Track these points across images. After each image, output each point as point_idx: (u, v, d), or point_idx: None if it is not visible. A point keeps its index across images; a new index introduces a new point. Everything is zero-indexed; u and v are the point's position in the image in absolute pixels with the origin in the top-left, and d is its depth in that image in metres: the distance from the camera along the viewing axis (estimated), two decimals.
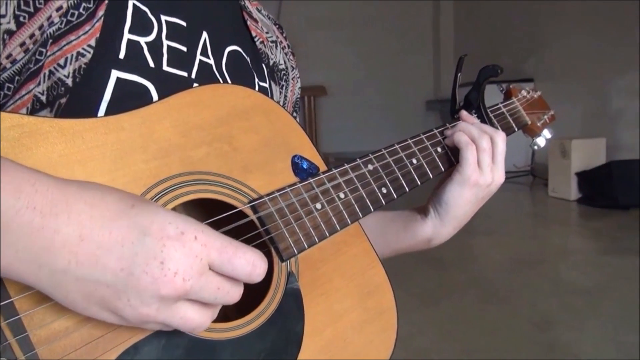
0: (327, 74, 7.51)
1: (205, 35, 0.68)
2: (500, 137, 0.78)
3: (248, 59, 0.75)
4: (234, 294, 0.46)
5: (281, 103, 0.84)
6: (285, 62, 0.87)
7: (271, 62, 0.82)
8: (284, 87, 0.86)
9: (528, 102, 0.97)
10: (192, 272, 0.43)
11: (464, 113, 0.83)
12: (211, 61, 0.68)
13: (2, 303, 0.42)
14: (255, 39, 0.79)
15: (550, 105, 1.06)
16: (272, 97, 0.77)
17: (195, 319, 0.44)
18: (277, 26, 0.90)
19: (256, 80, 0.76)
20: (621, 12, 4.95)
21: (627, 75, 4.97)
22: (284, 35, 0.91)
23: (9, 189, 0.38)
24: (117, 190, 0.45)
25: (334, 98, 7.75)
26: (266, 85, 0.78)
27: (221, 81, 0.68)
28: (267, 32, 0.84)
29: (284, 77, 0.85)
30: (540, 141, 0.97)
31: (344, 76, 7.78)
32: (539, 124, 0.97)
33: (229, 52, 0.72)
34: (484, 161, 0.76)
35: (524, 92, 0.97)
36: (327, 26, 7.66)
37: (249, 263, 0.46)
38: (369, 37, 8.04)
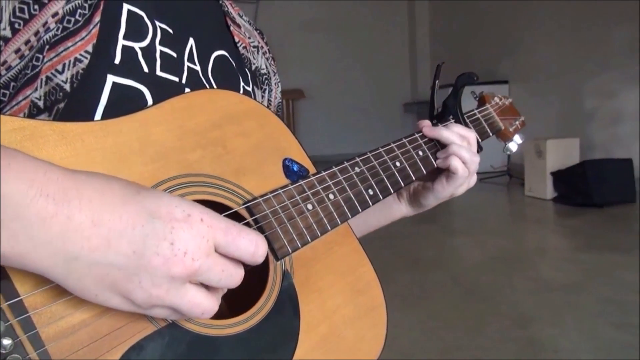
0: (305, 77, 7.54)
1: (191, 41, 0.69)
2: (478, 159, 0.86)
3: (234, 63, 0.77)
4: (236, 277, 0.48)
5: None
6: (267, 67, 0.89)
7: (253, 67, 0.84)
8: (266, 92, 0.88)
9: (500, 109, 1.01)
10: (200, 252, 0.45)
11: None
12: (197, 67, 0.69)
13: (12, 301, 0.43)
14: (238, 44, 0.81)
15: (523, 109, 1.10)
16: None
17: (203, 303, 0.46)
18: (257, 31, 0.92)
19: (242, 84, 0.78)
20: (594, 14, 5.08)
21: (600, 77, 5.10)
22: (265, 40, 0.93)
23: (22, 177, 0.40)
24: (120, 179, 0.46)
25: (312, 101, 7.79)
26: (249, 89, 0.80)
27: (207, 87, 0.70)
28: (249, 37, 0.86)
29: (266, 81, 0.88)
30: (512, 146, 1.01)
31: (321, 79, 7.81)
32: (511, 129, 1.01)
33: (216, 57, 0.73)
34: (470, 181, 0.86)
35: (496, 99, 1.01)
36: (304, 29, 7.70)
37: (252, 243, 0.48)
38: (345, 40, 8.10)
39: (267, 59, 0.90)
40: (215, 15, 0.79)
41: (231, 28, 0.81)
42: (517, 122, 1.02)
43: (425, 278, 3.11)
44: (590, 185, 4.39)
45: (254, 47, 0.86)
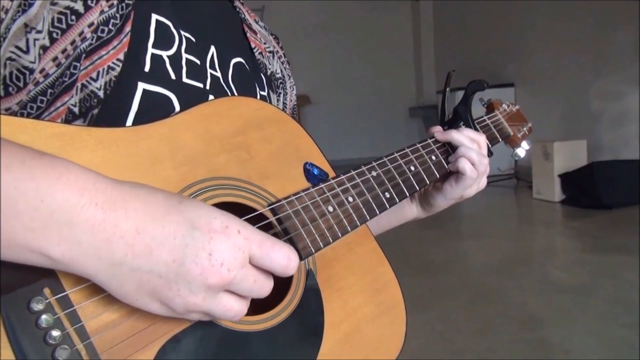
0: (311, 83, 7.58)
1: (212, 49, 0.72)
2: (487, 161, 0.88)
3: (249, 69, 0.80)
4: (266, 288, 0.51)
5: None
6: (282, 71, 0.91)
7: (269, 72, 0.87)
8: (281, 95, 0.90)
9: (509, 115, 1.03)
10: (235, 263, 0.47)
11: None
12: (218, 74, 0.72)
13: (59, 295, 0.45)
14: (254, 50, 0.84)
15: (529, 111, 1.12)
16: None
17: (234, 308, 0.49)
18: (273, 36, 0.94)
19: (257, 89, 0.80)
20: (598, 16, 5.09)
21: (605, 78, 5.10)
22: (280, 45, 0.95)
23: (74, 187, 0.42)
24: (163, 190, 0.49)
25: (318, 107, 7.82)
26: (265, 93, 0.83)
27: (229, 93, 0.72)
28: (264, 43, 0.88)
29: (281, 85, 0.90)
30: (521, 152, 1.03)
31: (326, 84, 7.84)
32: (519, 135, 1.03)
33: (234, 64, 0.76)
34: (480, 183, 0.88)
35: (504, 106, 1.04)
36: (308, 35, 7.73)
37: (285, 256, 0.50)
38: (350, 45, 8.13)
39: (282, 63, 0.92)
40: (233, 22, 0.82)
41: (248, 35, 0.83)
42: (524, 129, 1.04)
43: (434, 281, 3.12)
44: (599, 187, 4.39)
45: (269, 52, 0.89)
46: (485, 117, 0.99)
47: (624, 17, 4.79)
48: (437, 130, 0.87)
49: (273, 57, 0.90)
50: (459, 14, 7.54)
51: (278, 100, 0.89)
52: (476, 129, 0.93)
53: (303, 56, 7.68)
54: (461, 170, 0.83)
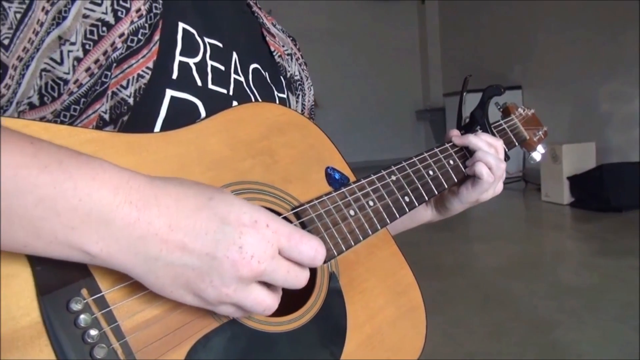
0: (318, 87, 7.56)
1: (235, 55, 0.73)
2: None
3: (266, 74, 0.81)
4: (302, 278, 0.52)
5: (299, 111, 0.90)
6: (300, 73, 0.93)
7: (288, 74, 0.88)
8: (300, 97, 0.92)
9: (524, 119, 1.04)
10: (265, 255, 0.49)
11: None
12: (241, 78, 0.73)
13: (96, 296, 0.47)
14: (274, 53, 0.85)
15: (538, 114, 1.12)
16: (289, 107, 0.84)
17: (265, 300, 0.50)
18: (291, 39, 0.96)
19: (275, 92, 0.82)
20: (606, 18, 5.08)
21: (614, 80, 5.09)
22: (298, 47, 0.97)
23: (109, 186, 0.44)
24: (194, 184, 0.50)
25: (325, 110, 7.82)
26: (284, 96, 0.84)
27: (251, 96, 0.74)
28: (283, 46, 0.90)
29: (300, 87, 0.92)
30: (537, 155, 1.04)
31: (334, 89, 7.85)
32: (535, 139, 1.04)
33: (253, 69, 0.78)
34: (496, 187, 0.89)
35: (520, 110, 1.04)
36: (316, 39, 7.74)
37: (313, 248, 0.52)
38: (357, 49, 8.14)
39: (300, 65, 0.94)
40: (253, 27, 0.84)
41: (267, 38, 0.85)
42: (540, 132, 1.05)
43: (445, 284, 3.13)
44: (608, 190, 4.38)
45: (287, 54, 0.90)
46: (501, 122, 1.00)
47: (632, 20, 4.78)
48: (455, 135, 0.88)
49: (291, 60, 0.91)
50: (466, 17, 7.54)
51: (297, 102, 0.91)
52: (493, 134, 0.93)
53: (310, 60, 7.66)
54: (478, 174, 0.84)
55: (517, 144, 1.01)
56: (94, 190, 0.43)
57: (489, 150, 0.86)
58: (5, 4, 0.46)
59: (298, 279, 0.52)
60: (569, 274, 3.23)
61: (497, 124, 0.99)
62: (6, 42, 0.46)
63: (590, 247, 3.76)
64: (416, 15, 8.49)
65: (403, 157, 0.78)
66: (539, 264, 3.46)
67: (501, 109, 1.05)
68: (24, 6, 0.48)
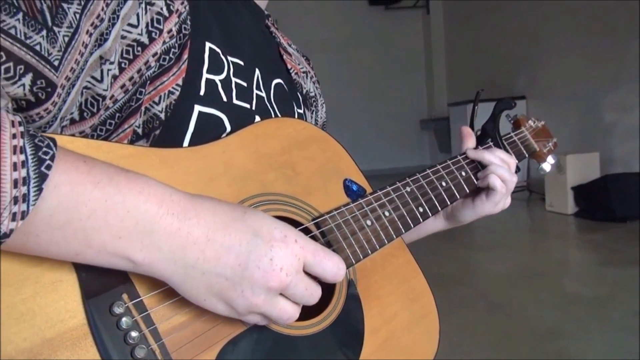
0: (324, 96, 7.63)
1: (257, 72, 0.77)
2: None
3: (287, 89, 0.85)
4: (315, 296, 0.56)
5: None
6: (314, 90, 0.97)
7: (304, 91, 0.92)
8: (314, 112, 0.96)
9: (535, 131, 1.07)
10: (292, 269, 0.53)
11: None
12: (263, 94, 0.77)
13: (135, 301, 0.51)
14: (291, 71, 0.89)
15: (551, 131, 1.16)
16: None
17: (289, 311, 0.54)
18: (304, 57, 1.00)
19: (295, 108, 0.86)
20: (610, 29, 5.11)
21: (618, 90, 5.12)
22: (311, 65, 1.01)
23: (154, 199, 0.48)
24: (226, 202, 0.54)
25: (330, 120, 7.87)
26: (301, 111, 0.88)
27: (271, 111, 0.77)
28: (299, 64, 0.94)
29: (314, 103, 0.96)
30: (546, 166, 1.08)
31: (339, 98, 7.87)
32: (545, 151, 1.07)
33: (275, 85, 0.82)
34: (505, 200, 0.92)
35: (530, 122, 1.08)
36: (321, 49, 7.79)
37: (335, 265, 0.56)
38: (362, 58, 8.19)
39: (314, 83, 0.98)
40: (271, 46, 0.88)
41: (284, 57, 0.89)
42: (550, 144, 1.08)
43: (450, 293, 3.14)
44: (612, 200, 4.39)
45: (303, 72, 0.94)
46: (512, 134, 1.03)
47: (634, 31, 4.81)
48: (470, 148, 0.92)
49: (307, 77, 0.95)
50: (471, 27, 7.59)
51: (312, 117, 0.95)
52: (505, 148, 0.97)
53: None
54: (492, 186, 0.88)
55: (527, 155, 1.04)
56: (141, 203, 0.47)
57: (502, 165, 0.90)
58: (56, 29, 0.50)
59: (312, 296, 0.56)
60: (574, 284, 3.24)
61: (508, 136, 1.02)
62: (56, 63, 0.50)
63: (595, 256, 3.78)
64: (421, 25, 8.55)
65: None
66: (544, 273, 3.48)
67: (512, 121, 1.08)
68: (72, 30, 0.51)
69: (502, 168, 0.88)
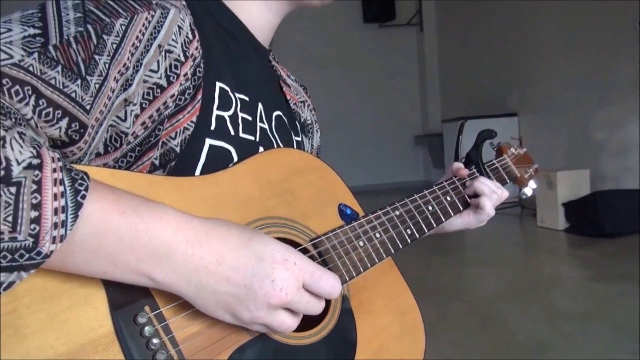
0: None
1: (260, 106, 0.85)
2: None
3: (286, 120, 0.93)
4: (318, 308, 0.64)
5: (309, 151, 1.02)
6: (310, 118, 1.05)
7: (302, 119, 1.00)
8: (310, 138, 1.04)
9: (516, 158, 1.16)
10: (292, 288, 0.61)
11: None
12: (266, 126, 0.85)
13: (156, 312, 0.59)
14: (290, 102, 0.97)
15: (533, 141, 1.26)
16: (303, 148, 0.96)
17: (288, 322, 0.62)
18: (302, 87, 1.08)
19: (293, 136, 0.93)
20: (601, 47, 5.23)
21: (608, 108, 5.23)
22: (308, 94, 1.09)
23: (172, 227, 0.57)
24: (236, 225, 0.62)
25: (325, 136, 7.90)
26: (299, 139, 0.96)
27: (274, 141, 0.85)
28: (297, 94, 1.02)
29: (310, 130, 1.04)
30: (528, 191, 1.17)
31: (333, 114, 7.94)
32: (526, 176, 1.16)
33: (275, 116, 0.89)
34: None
35: (512, 150, 1.16)
36: (316, 65, 7.86)
37: (330, 285, 0.64)
38: (355, 74, 8.27)
39: (310, 111, 1.06)
40: (273, 80, 0.96)
41: (284, 89, 0.97)
42: (531, 170, 1.16)
43: (442, 308, 3.21)
44: (601, 216, 4.48)
45: (301, 102, 1.02)
46: (494, 161, 1.12)
47: (625, 48, 4.94)
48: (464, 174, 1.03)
49: (304, 106, 1.03)
50: (464, 45, 7.72)
51: (309, 142, 1.03)
52: (487, 173, 1.06)
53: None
54: (481, 207, 0.99)
55: (508, 181, 1.13)
56: (160, 231, 0.55)
57: (491, 195, 1.00)
58: (89, 77, 0.58)
59: (315, 308, 0.64)
60: (565, 299, 3.31)
61: (490, 163, 1.11)
62: (88, 107, 0.58)
63: (585, 272, 3.85)
64: (415, 42, 8.68)
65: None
66: (534, 288, 3.55)
67: (495, 149, 1.16)
68: (102, 78, 0.59)
69: (494, 195, 1.00)
